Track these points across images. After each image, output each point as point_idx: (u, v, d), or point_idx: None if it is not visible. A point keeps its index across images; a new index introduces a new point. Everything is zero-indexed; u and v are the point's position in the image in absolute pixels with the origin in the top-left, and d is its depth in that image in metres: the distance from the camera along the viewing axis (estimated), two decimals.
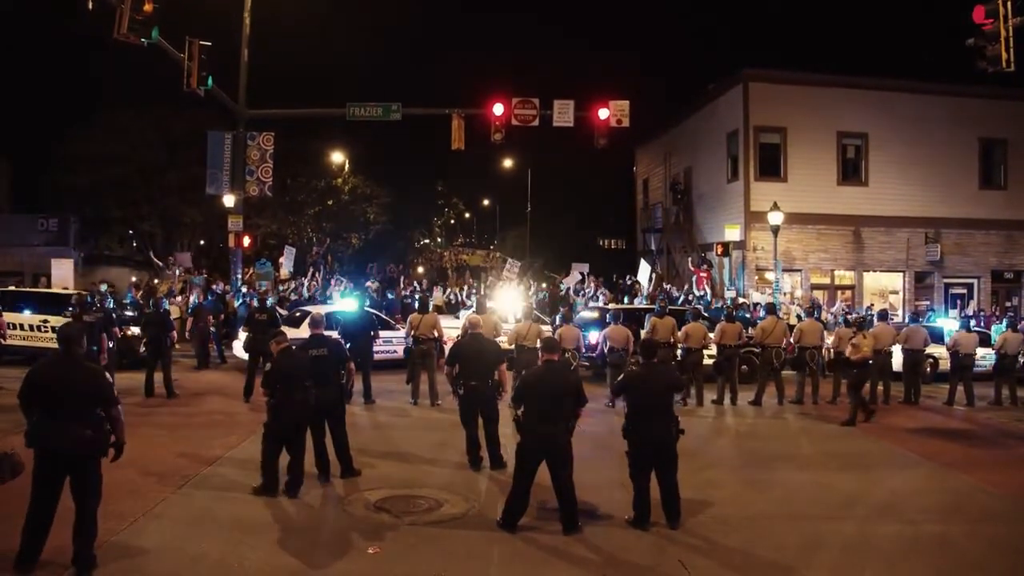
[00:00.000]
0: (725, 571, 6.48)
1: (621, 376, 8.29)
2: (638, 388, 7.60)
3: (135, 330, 16.74)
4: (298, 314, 17.74)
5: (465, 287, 27.47)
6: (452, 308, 23.26)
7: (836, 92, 26.36)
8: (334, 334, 12.05)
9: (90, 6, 16.16)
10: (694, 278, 25.38)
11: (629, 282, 27.00)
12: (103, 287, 20.28)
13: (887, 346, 15.65)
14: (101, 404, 6.03)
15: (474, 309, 15.94)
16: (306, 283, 24.70)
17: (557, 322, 16.34)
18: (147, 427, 11.28)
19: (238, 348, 17.27)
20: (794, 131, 26.19)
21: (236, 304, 20.23)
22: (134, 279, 27.37)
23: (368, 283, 25.74)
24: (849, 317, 17.23)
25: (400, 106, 23.10)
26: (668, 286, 26.01)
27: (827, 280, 26.78)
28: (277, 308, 17.66)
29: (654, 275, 27.61)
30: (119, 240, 34.51)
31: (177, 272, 25.09)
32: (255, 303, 17.56)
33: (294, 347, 8.81)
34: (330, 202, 36.54)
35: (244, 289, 22.23)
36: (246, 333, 15.31)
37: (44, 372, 6.04)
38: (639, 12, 71.75)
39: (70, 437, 5.76)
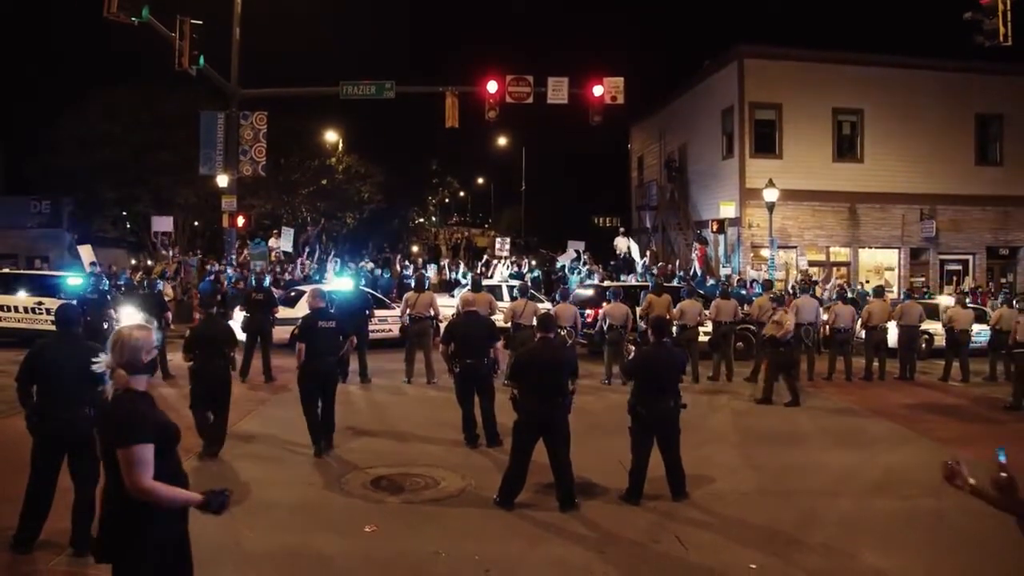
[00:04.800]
0: (722, 546, 6.51)
1: (633, 356, 8.33)
2: (649, 366, 7.64)
3: (130, 311, 16.69)
4: (293, 294, 17.72)
5: (461, 265, 27.43)
6: (448, 287, 23.25)
7: (832, 68, 26.27)
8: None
9: None
10: (695, 255, 25.41)
11: (623, 258, 27.02)
12: (93, 268, 20.22)
13: (882, 322, 15.71)
14: (103, 383, 6.00)
15: (469, 287, 15.93)
16: (299, 263, 24.64)
17: (557, 299, 16.34)
18: None
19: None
20: (789, 107, 26.12)
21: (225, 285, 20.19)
22: (133, 262, 27.29)
23: (363, 262, 25.70)
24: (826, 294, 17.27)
25: (394, 84, 22.98)
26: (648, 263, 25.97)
27: (822, 257, 26.79)
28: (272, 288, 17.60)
29: (648, 252, 27.60)
30: (112, 222, 34.31)
31: (171, 254, 25.01)
32: (253, 283, 17.50)
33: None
34: (324, 181, 36.35)
35: (229, 271, 22.13)
36: (244, 313, 15.29)
37: (44, 353, 6.01)
38: None
39: (71, 417, 5.73)
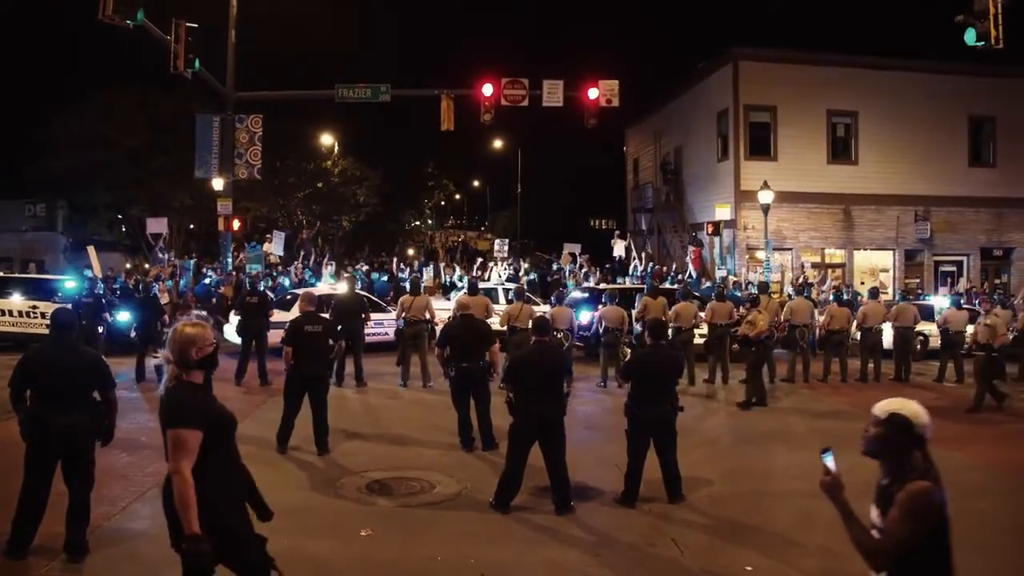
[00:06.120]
0: (718, 548, 6.52)
1: (628, 359, 8.34)
2: (646, 369, 7.65)
3: (125, 315, 16.66)
4: (288, 297, 17.69)
5: (456, 268, 27.42)
6: (444, 290, 23.22)
7: (826, 70, 26.29)
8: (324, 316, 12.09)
9: None
10: (689, 257, 25.43)
11: (619, 260, 27.02)
12: (87, 272, 20.19)
13: (877, 323, 15.73)
14: (98, 387, 6.00)
15: (465, 290, 15.93)
16: (294, 267, 24.61)
17: (553, 302, 16.36)
18: (138, 412, 11.28)
19: (228, 332, 17.21)
20: (784, 110, 26.13)
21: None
22: (128, 265, 27.24)
23: (359, 265, 25.68)
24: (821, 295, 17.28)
25: (389, 88, 22.92)
26: (650, 265, 25.99)
27: (817, 259, 26.81)
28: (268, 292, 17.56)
29: (644, 254, 27.63)
30: (108, 225, 34.24)
31: (167, 258, 24.96)
32: (247, 286, 17.47)
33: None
34: (320, 184, 36.34)
35: (211, 274, 22.06)
36: (238, 317, 15.26)
37: (39, 357, 5.98)
38: None
39: (66, 421, 5.70)
